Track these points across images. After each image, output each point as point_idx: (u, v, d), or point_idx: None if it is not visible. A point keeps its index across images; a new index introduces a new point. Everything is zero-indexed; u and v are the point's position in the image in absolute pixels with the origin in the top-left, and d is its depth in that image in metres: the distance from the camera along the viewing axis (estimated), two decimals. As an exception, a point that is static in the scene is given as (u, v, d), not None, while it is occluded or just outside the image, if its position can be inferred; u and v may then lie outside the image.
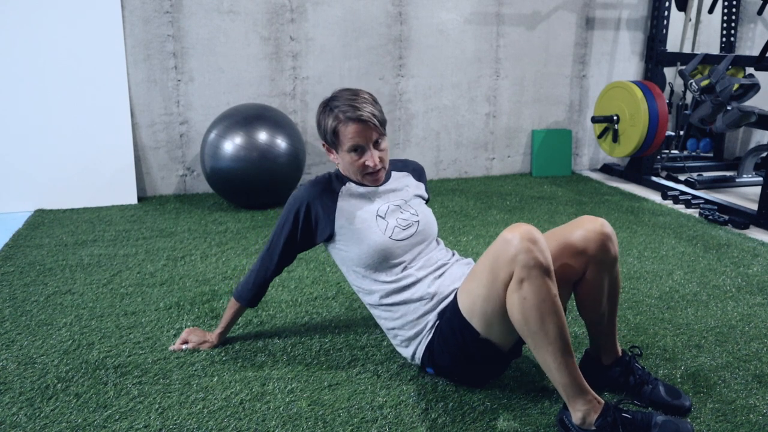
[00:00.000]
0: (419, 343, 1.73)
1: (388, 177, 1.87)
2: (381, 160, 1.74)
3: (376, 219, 1.75)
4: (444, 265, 1.78)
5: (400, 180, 1.89)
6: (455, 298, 1.64)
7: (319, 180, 1.81)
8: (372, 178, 1.77)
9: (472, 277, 1.57)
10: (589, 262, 1.58)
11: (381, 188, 1.82)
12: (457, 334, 1.61)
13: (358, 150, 1.71)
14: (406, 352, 1.78)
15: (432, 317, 1.70)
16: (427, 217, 1.83)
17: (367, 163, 1.72)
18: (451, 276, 1.75)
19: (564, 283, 1.59)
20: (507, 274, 1.44)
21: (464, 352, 1.63)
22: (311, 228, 1.79)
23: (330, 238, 1.79)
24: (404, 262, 1.75)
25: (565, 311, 1.72)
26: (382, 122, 1.72)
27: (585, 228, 1.58)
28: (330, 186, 1.80)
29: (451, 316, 1.63)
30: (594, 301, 1.65)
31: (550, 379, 1.49)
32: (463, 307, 1.59)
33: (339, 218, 1.76)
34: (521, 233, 1.43)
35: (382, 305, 1.77)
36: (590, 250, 1.57)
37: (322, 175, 1.84)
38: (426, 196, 1.96)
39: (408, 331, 1.74)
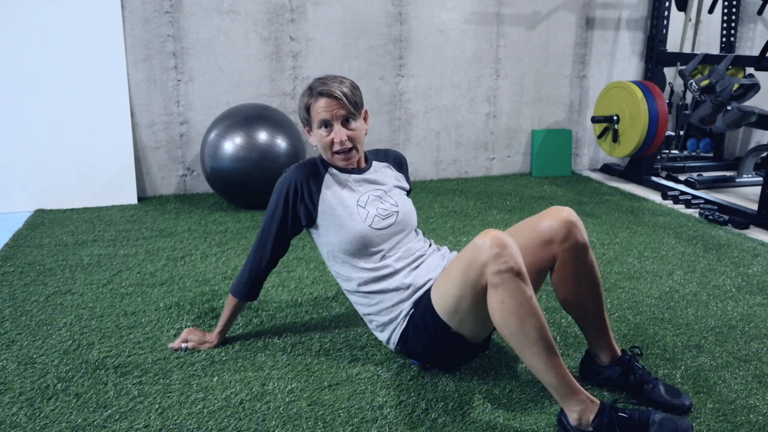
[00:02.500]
0: (394, 330, 1.78)
1: (369, 166, 1.90)
2: (350, 139, 1.76)
3: (357, 208, 1.79)
4: (421, 256, 1.83)
5: (381, 171, 1.92)
6: (429, 292, 1.69)
7: (305, 164, 1.84)
8: (341, 157, 1.80)
9: (446, 276, 1.63)
10: (557, 250, 1.64)
11: (362, 177, 1.85)
12: (430, 327, 1.67)
13: (327, 126, 1.75)
14: (381, 336, 1.84)
15: (407, 306, 1.75)
16: (406, 207, 1.87)
17: (333, 138, 1.75)
18: (427, 267, 1.79)
19: (537, 272, 1.65)
20: (479, 279, 1.49)
21: (436, 342, 1.69)
22: (297, 211, 1.81)
23: (312, 222, 1.82)
24: (383, 251, 1.79)
25: (536, 291, 1.75)
26: (353, 102, 1.74)
27: (551, 217, 1.64)
28: (316, 170, 1.83)
29: (424, 310, 1.69)
30: (572, 292, 1.67)
31: (541, 381, 1.50)
32: (437, 303, 1.64)
33: (322, 203, 1.79)
34: (491, 239, 1.47)
35: (359, 292, 1.82)
36: (557, 238, 1.63)
37: (308, 159, 1.87)
38: (407, 187, 1.98)
39: (383, 317, 1.79)
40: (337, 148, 1.77)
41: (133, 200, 3.56)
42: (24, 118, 3.34)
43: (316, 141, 1.81)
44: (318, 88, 1.73)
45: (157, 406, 1.63)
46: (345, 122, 1.75)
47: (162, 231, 3.06)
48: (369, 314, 1.83)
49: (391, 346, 1.82)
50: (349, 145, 1.77)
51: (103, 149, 3.48)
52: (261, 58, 3.72)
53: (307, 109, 1.76)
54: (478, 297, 1.52)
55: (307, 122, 1.79)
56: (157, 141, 3.66)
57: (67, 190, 3.43)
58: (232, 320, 1.95)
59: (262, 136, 3.26)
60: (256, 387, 1.73)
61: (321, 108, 1.73)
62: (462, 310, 1.58)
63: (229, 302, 1.91)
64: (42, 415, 1.59)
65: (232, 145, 3.23)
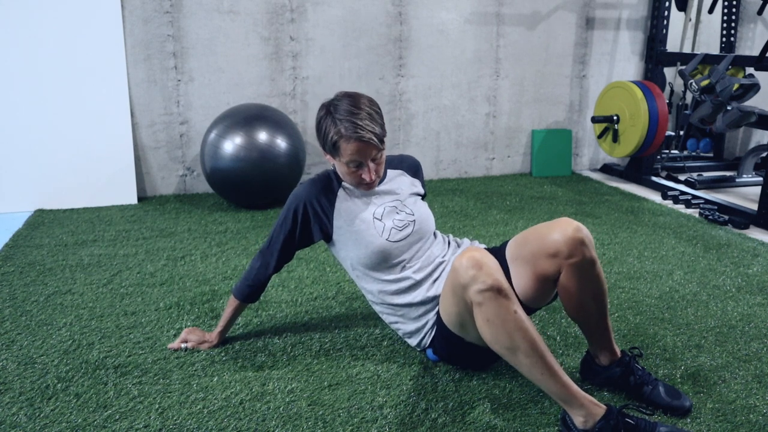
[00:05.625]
0: (423, 337, 1.81)
1: (384, 176, 1.89)
2: (376, 172, 1.76)
3: (374, 221, 1.78)
4: (442, 262, 1.82)
5: (396, 179, 1.91)
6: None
7: (318, 179, 1.83)
8: (366, 187, 1.80)
9: (444, 295, 1.65)
10: (562, 264, 1.60)
11: (377, 189, 1.85)
12: (448, 337, 1.70)
13: (357, 164, 1.72)
14: (410, 342, 1.87)
15: (432, 316, 1.77)
16: (422, 215, 1.86)
17: (363, 177, 1.74)
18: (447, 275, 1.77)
19: (543, 282, 1.63)
20: (466, 298, 1.51)
21: (458, 350, 1.73)
22: (309, 227, 1.82)
23: (328, 238, 1.83)
24: (403, 261, 1.79)
25: (551, 301, 1.76)
26: (382, 138, 1.71)
27: (559, 231, 1.60)
28: (329, 185, 1.82)
29: (439, 324, 1.71)
30: (576, 303, 1.65)
31: (542, 390, 1.50)
32: (444, 319, 1.67)
33: (337, 219, 1.80)
34: (467, 260, 1.48)
35: (384, 304, 1.83)
36: (563, 253, 1.58)
37: (322, 173, 1.86)
38: (422, 192, 1.97)
39: (409, 327, 1.82)
40: (366, 183, 1.76)
41: (133, 200, 3.56)
42: (24, 118, 3.34)
43: (338, 169, 1.78)
44: (349, 131, 1.66)
45: (157, 406, 1.63)
46: (373, 158, 1.73)
47: (162, 231, 3.06)
48: (395, 323, 1.86)
49: (420, 349, 1.87)
50: (376, 178, 1.76)
51: (103, 149, 3.48)
52: (261, 58, 3.72)
53: (335, 145, 1.70)
54: (473, 313, 1.53)
55: (331, 152, 1.74)
56: (157, 141, 3.66)
57: (67, 190, 3.43)
58: (232, 321, 1.95)
59: (262, 136, 3.26)
60: (256, 387, 1.72)
61: (353, 150, 1.68)
62: (465, 324, 1.60)
63: (231, 303, 1.91)
64: (42, 415, 1.59)
65: (232, 145, 3.23)
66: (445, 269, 1.80)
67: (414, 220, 1.82)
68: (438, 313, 1.73)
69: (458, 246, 1.91)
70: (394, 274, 1.79)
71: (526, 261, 1.64)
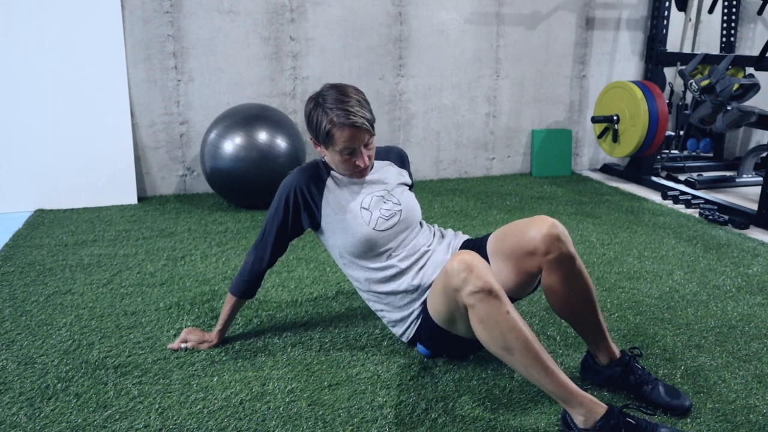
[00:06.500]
0: (407, 327, 1.85)
1: (371, 167, 1.91)
2: (369, 158, 1.79)
3: (361, 210, 1.81)
4: (427, 251, 1.85)
5: (383, 169, 1.93)
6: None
7: (307, 167, 1.86)
8: (359, 174, 1.83)
9: (433, 293, 1.69)
10: (541, 261, 1.64)
11: (365, 178, 1.87)
12: (434, 330, 1.74)
13: (351, 151, 1.75)
14: (394, 331, 1.91)
15: (417, 306, 1.81)
16: (409, 204, 1.89)
17: (357, 163, 1.77)
18: (433, 264, 1.83)
19: (525, 277, 1.68)
20: (457, 300, 1.54)
21: (443, 342, 1.77)
22: (299, 214, 1.84)
23: (317, 225, 1.86)
24: (389, 250, 1.83)
25: (531, 292, 1.80)
26: (373, 123, 1.75)
27: (535, 229, 1.64)
28: (318, 173, 1.85)
29: (427, 316, 1.75)
30: (562, 300, 1.67)
31: (541, 389, 1.51)
32: (432, 314, 1.71)
33: (325, 207, 1.82)
34: (458, 263, 1.51)
35: (370, 292, 1.87)
36: (540, 250, 1.63)
37: (310, 162, 1.88)
38: (409, 182, 2.00)
39: (394, 315, 1.86)
40: (360, 170, 1.79)
41: (133, 200, 3.56)
42: (24, 118, 3.34)
43: (330, 159, 1.81)
44: (341, 118, 1.68)
45: (157, 406, 1.63)
46: (366, 145, 1.76)
47: (162, 231, 3.06)
48: (381, 311, 1.89)
49: (405, 339, 1.89)
50: (369, 164, 1.80)
51: (103, 149, 3.48)
52: (261, 58, 3.72)
53: (328, 134, 1.72)
54: (464, 312, 1.55)
55: (324, 142, 1.76)
56: (157, 141, 3.66)
57: (67, 190, 3.43)
58: (231, 319, 1.95)
59: (262, 136, 3.26)
60: (256, 387, 1.73)
61: (347, 137, 1.70)
62: (455, 320, 1.64)
63: (228, 301, 1.92)
64: (42, 415, 1.59)
65: (232, 145, 3.23)
66: (430, 258, 1.84)
67: (401, 210, 1.85)
68: (424, 305, 1.77)
69: (442, 236, 1.94)
70: (380, 262, 1.82)
71: (506, 257, 1.70)
